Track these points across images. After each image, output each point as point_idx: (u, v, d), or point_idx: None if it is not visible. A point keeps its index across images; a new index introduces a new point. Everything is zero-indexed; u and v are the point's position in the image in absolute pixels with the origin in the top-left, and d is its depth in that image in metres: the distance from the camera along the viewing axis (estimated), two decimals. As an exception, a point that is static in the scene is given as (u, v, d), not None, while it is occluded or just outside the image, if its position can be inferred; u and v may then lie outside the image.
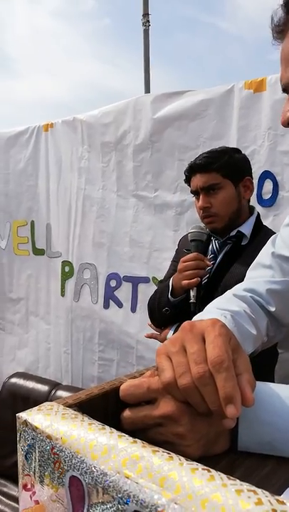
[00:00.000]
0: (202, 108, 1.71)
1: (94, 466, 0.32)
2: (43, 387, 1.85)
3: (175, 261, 1.50)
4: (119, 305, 1.97)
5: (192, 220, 1.81)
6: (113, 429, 0.35)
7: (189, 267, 1.20)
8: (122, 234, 1.99)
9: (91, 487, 0.31)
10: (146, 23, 1.76)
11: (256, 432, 0.44)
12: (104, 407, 0.45)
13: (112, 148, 2.00)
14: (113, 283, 2.00)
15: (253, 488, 0.27)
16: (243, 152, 1.50)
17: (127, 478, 0.30)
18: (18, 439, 0.38)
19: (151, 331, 1.47)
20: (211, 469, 0.29)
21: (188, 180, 1.35)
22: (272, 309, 0.76)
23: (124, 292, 1.96)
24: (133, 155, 1.93)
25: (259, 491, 0.27)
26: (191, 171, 1.31)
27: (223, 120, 1.67)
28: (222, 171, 1.25)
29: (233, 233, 1.29)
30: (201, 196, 1.29)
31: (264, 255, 0.83)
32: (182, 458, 0.31)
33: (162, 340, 1.45)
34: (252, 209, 1.34)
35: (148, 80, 1.84)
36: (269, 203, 1.58)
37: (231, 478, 0.29)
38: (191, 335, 0.44)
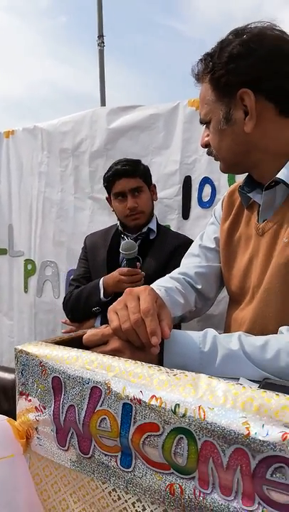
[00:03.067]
0: (152, 121, 1.93)
1: (68, 368, 0.52)
2: (10, 375, 2.00)
3: (84, 259, 1.70)
4: (80, 298, 2.16)
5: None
6: (79, 350, 0.55)
7: (127, 281, 1.41)
8: (80, 233, 2.17)
9: (66, 380, 0.52)
10: (101, 43, 1.96)
11: (174, 359, 0.67)
12: (72, 348, 0.66)
13: (70, 154, 2.18)
14: (73, 278, 2.19)
15: (159, 366, 0.49)
16: (187, 160, 1.77)
17: (88, 370, 0.51)
18: (15, 362, 0.58)
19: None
20: (136, 361, 0.51)
21: (110, 184, 1.58)
22: (199, 287, 1.00)
23: (83, 286, 2.15)
24: (89, 161, 2.12)
25: (162, 367, 0.49)
26: (117, 175, 1.55)
27: (170, 132, 1.91)
28: (142, 177, 1.56)
29: (145, 229, 1.58)
30: (129, 197, 1.53)
31: (193, 247, 1.07)
32: (120, 358, 0.52)
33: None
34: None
35: (103, 94, 2.04)
36: (208, 204, 1.84)
37: (148, 364, 0.50)
38: (131, 296, 0.66)
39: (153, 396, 0.45)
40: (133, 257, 1.44)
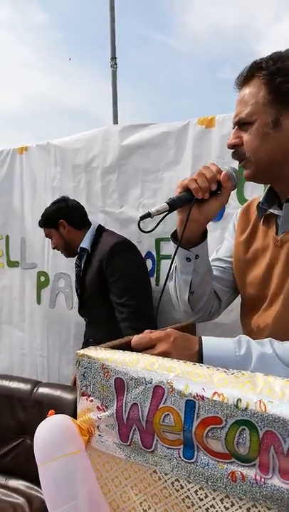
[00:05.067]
0: (163, 138, 2.01)
1: (130, 369, 0.58)
2: (26, 386, 2.03)
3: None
4: (93, 309, 2.20)
5: (154, 233, 2.09)
6: (138, 353, 0.61)
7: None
8: (92, 246, 2.24)
9: (129, 380, 0.58)
10: (114, 65, 2.06)
11: (212, 363, 0.72)
12: (121, 353, 0.71)
13: (82, 170, 2.25)
14: (86, 290, 2.24)
15: (216, 366, 0.55)
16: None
17: (150, 370, 0.56)
18: (76, 365, 0.63)
19: None
20: (194, 363, 0.57)
21: None
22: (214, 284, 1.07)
23: (96, 298, 2.20)
24: (101, 176, 2.19)
25: (219, 367, 0.55)
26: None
27: (180, 149, 1.99)
28: (46, 225, 1.99)
29: (79, 250, 1.92)
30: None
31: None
32: (179, 360, 0.58)
33: None
34: (87, 227, 1.96)
35: (116, 112, 2.14)
36: (218, 218, 1.90)
37: (205, 365, 0.56)
38: None
39: (215, 392, 0.51)
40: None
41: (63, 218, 1.93)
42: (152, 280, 2.09)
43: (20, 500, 1.71)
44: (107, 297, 1.78)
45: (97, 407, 0.61)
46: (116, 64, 2.11)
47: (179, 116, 1.98)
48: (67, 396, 1.91)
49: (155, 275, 2.08)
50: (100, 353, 0.62)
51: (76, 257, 1.97)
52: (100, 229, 1.97)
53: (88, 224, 1.97)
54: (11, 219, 2.53)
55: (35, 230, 2.43)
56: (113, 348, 0.68)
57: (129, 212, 2.13)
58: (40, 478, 0.58)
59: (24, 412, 1.96)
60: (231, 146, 0.94)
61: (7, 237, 2.56)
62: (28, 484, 1.83)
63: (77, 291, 1.98)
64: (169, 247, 2.04)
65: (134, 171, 2.09)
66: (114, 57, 2.12)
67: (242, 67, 0.95)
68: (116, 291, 1.75)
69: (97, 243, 1.88)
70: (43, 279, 2.39)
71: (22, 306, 2.53)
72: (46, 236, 2.03)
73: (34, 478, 1.84)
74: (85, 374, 0.62)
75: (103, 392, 0.60)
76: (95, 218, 2.24)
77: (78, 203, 2.05)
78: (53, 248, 2.03)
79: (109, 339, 0.73)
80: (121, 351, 0.62)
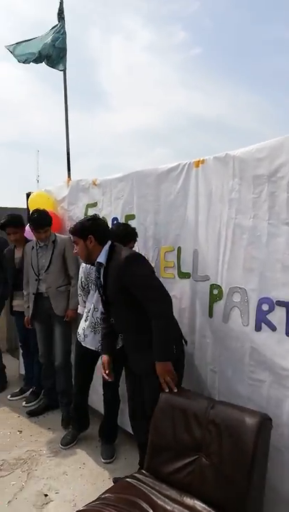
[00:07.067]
0: None
1: None
2: (201, 403, 1.98)
3: None
4: (273, 328, 2.04)
5: None
6: None
7: None
8: (273, 260, 2.08)
9: None
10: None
11: None
12: None
13: (265, 180, 2.12)
14: (265, 307, 2.08)
15: None
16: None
17: None
18: None
19: None
20: None
21: None
22: None
23: (277, 316, 2.03)
24: (288, 186, 2.03)
25: None
26: None
27: None
28: (76, 234, 2.35)
29: (96, 264, 2.33)
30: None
31: None
32: None
33: None
34: (106, 244, 2.32)
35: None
36: None
37: None
38: None
39: None
40: None
41: (92, 234, 2.30)
42: None
43: (200, 521, 1.64)
44: (126, 300, 2.19)
45: None
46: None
47: None
48: (248, 420, 1.79)
49: None
50: None
51: (95, 270, 2.38)
52: (112, 246, 2.32)
53: (107, 241, 2.33)
54: (184, 231, 2.56)
55: (208, 242, 2.41)
56: None
57: None
58: None
59: (200, 430, 1.90)
60: None
61: (179, 249, 2.60)
62: (204, 506, 1.76)
63: (102, 298, 2.39)
64: None
65: None
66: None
67: None
68: (137, 290, 2.13)
69: (112, 258, 2.25)
70: (216, 292, 2.33)
71: (191, 318, 2.53)
72: (73, 242, 2.42)
73: (210, 500, 1.77)
74: None
75: None
76: (277, 231, 2.08)
77: (106, 223, 2.56)
78: (74, 253, 2.47)
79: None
80: None
